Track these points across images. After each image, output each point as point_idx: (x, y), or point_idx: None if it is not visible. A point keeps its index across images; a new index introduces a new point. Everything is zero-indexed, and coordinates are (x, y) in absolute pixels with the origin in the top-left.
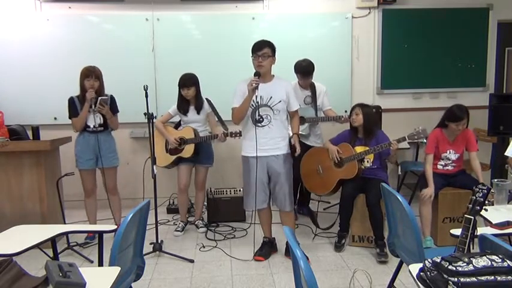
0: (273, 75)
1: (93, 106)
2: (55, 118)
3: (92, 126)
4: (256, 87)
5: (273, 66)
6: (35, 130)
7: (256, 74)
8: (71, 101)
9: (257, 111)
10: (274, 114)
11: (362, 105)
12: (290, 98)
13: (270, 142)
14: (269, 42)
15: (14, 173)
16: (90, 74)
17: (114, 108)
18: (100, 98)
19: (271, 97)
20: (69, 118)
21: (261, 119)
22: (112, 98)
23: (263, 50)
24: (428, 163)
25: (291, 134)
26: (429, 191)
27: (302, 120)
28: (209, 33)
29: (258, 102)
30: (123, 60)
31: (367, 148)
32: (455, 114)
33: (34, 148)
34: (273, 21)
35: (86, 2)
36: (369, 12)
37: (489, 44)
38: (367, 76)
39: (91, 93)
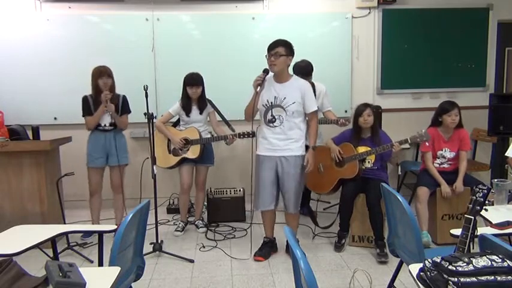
0: (292, 75)
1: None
2: (55, 118)
3: (103, 125)
4: (260, 84)
5: None
6: (35, 130)
7: (265, 71)
8: (85, 99)
9: (270, 111)
10: (287, 115)
11: (370, 106)
12: (306, 98)
13: (280, 143)
14: (284, 41)
15: (14, 173)
16: (103, 73)
17: (125, 108)
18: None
19: (285, 98)
20: (83, 116)
21: (273, 119)
22: (124, 98)
23: (275, 49)
24: (429, 160)
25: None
26: (447, 189)
27: None
28: (209, 33)
29: (271, 103)
30: (123, 60)
31: (369, 148)
32: (445, 106)
33: (34, 148)
34: (273, 21)
35: (86, 2)
36: (369, 12)
37: (489, 44)
38: (367, 76)
39: (107, 94)
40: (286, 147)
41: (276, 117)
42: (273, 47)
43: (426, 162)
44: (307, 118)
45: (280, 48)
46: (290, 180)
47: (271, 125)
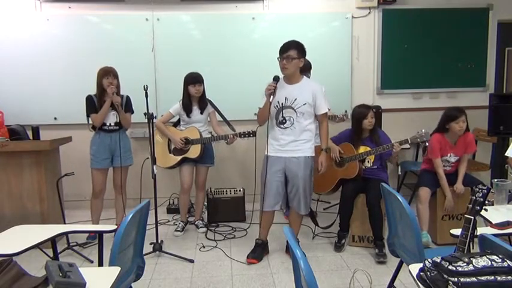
0: (302, 77)
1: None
2: (55, 118)
3: (108, 124)
4: (272, 93)
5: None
6: (35, 130)
7: (275, 79)
8: (90, 98)
9: (281, 113)
10: (297, 116)
11: (371, 108)
12: (317, 100)
13: (291, 144)
14: (296, 43)
15: (14, 173)
16: (108, 73)
17: (128, 108)
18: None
19: (295, 99)
20: (87, 116)
21: (284, 121)
22: (128, 98)
23: (287, 52)
24: (440, 167)
25: (320, 144)
26: (451, 202)
27: None
28: (209, 33)
29: (282, 104)
30: (123, 60)
31: (369, 149)
32: (453, 113)
33: (34, 148)
34: (273, 21)
35: (85, 2)
36: (369, 12)
37: (489, 44)
38: (367, 76)
39: (112, 88)
40: (297, 148)
41: (287, 118)
42: (285, 50)
43: (437, 170)
44: (317, 120)
45: (293, 52)
46: (300, 181)
47: (282, 126)
